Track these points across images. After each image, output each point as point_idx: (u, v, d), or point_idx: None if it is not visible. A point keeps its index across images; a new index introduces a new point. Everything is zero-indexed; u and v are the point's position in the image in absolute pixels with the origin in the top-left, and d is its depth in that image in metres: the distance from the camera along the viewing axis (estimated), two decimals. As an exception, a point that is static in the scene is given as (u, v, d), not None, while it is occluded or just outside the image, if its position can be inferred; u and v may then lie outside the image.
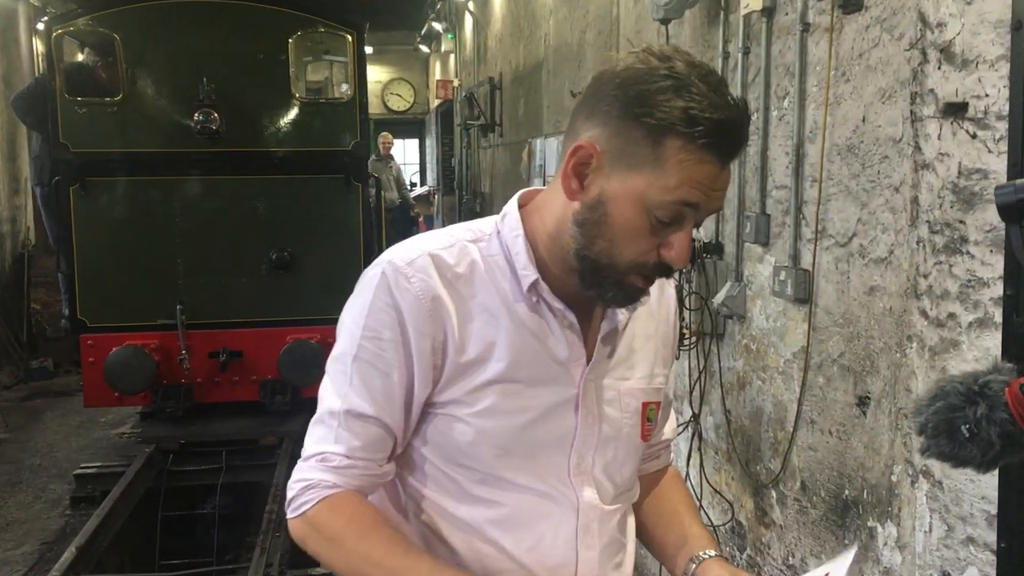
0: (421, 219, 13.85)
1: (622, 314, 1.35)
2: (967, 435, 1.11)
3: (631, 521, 1.48)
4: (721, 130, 1.13)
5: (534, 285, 1.27)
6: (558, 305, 1.29)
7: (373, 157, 12.56)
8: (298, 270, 6.34)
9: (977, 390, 1.11)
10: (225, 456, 6.13)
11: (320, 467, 1.28)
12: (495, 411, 1.27)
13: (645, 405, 1.41)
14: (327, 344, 6.33)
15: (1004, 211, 1.15)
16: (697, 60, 1.18)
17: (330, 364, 1.32)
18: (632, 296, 1.27)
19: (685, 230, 1.19)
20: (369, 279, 1.28)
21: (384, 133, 13.07)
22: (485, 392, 1.27)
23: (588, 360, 1.32)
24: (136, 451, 6.19)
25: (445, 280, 1.26)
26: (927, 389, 1.15)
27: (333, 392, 1.29)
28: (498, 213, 1.36)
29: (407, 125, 18.84)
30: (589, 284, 1.25)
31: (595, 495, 1.35)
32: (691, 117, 1.12)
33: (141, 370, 5.99)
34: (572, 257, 1.24)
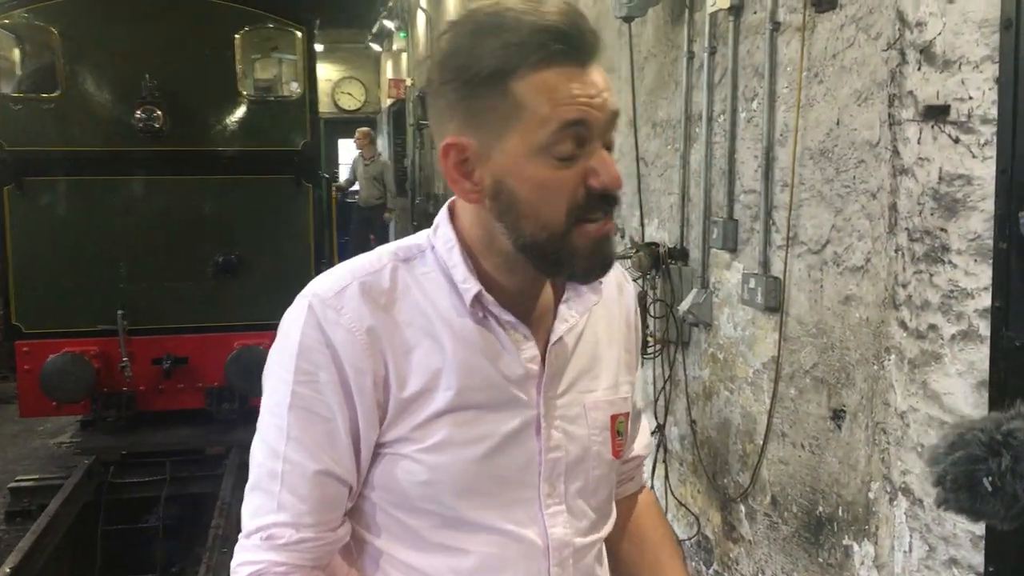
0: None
1: (575, 317, 1.23)
2: (989, 489, 1.00)
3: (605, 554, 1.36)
4: (551, 35, 1.03)
5: (477, 298, 1.14)
6: (507, 317, 1.16)
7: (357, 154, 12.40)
8: (246, 273, 6.18)
9: (1000, 439, 1.00)
10: (169, 467, 5.95)
11: (265, 546, 1.13)
12: (449, 444, 1.13)
13: (614, 418, 1.28)
14: (277, 350, 6.20)
15: None
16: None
17: (262, 419, 1.16)
18: (600, 254, 1.12)
19: (595, 150, 1.07)
20: (294, 317, 1.14)
21: (360, 128, 12.76)
22: (435, 425, 1.13)
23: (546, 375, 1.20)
24: (75, 462, 5.97)
25: (378, 308, 1.13)
26: (943, 435, 1.04)
27: (269, 451, 1.14)
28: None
29: (358, 124, 18.56)
30: (552, 268, 1.13)
31: (568, 529, 1.22)
32: (517, 44, 1.03)
33: (80, 378, 5.79)
34: (516, 253, 1.12)
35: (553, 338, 1.20)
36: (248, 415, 6.21)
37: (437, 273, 1.17)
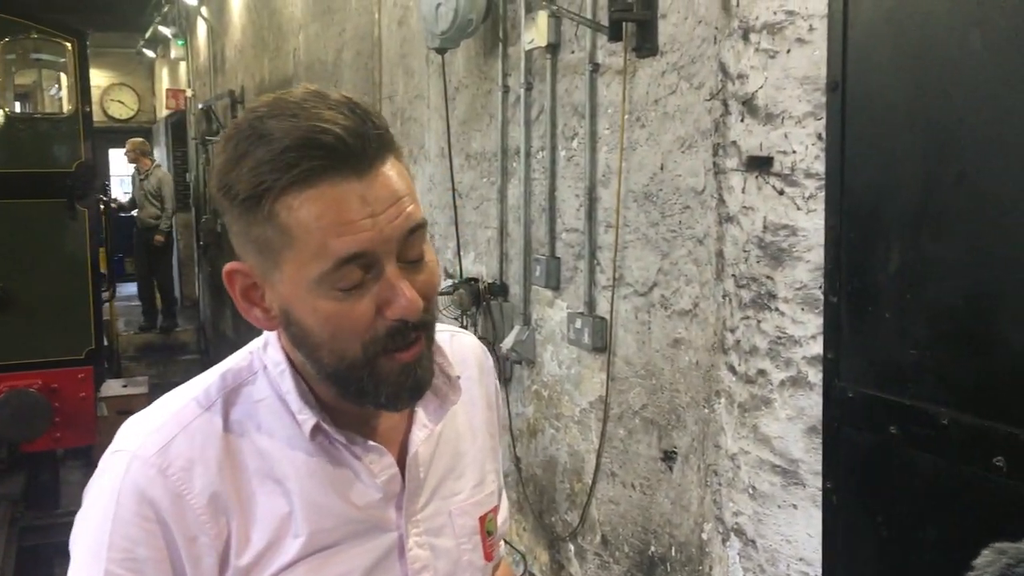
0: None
1: (434, 422, 1.11)
2: None
3: None
4: (313, 146, 0.87)
5: (317, 429, 1.01)
6: (355, 442, 1.03)
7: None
8: (14, 308, 5.60)
9: None
10: (-76, 529, 5.27)
11: None
12: None
13: (483, 519, 1.19)
14: (50, 391, 5.64)
15: None
16: (287, 95, 0.93)
17: None
18: (410, 380, 0.99)
19: (388, 276, 0.93)
20: (108, 479, 0.97)
21: (130, 140, 11.43)
22: None
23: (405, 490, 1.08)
24: None
25: (212, 460, 0.97)
26: (987, 561, 0.97)
27: None
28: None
29: (131, 135, 17.44)
30: (355, 399, 0.99)
31: None
32: (270, 162, 0.88)
33: None
34: (321, 383, 1.00)
35: (411, 450, 1.08)
36: (19, 464, 5.64)
37: (273, 399, 1.02)
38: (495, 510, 1.23)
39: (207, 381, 1.04)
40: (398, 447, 1.08)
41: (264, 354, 1.04)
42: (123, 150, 11.50)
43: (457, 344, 1.22)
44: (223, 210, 0.94)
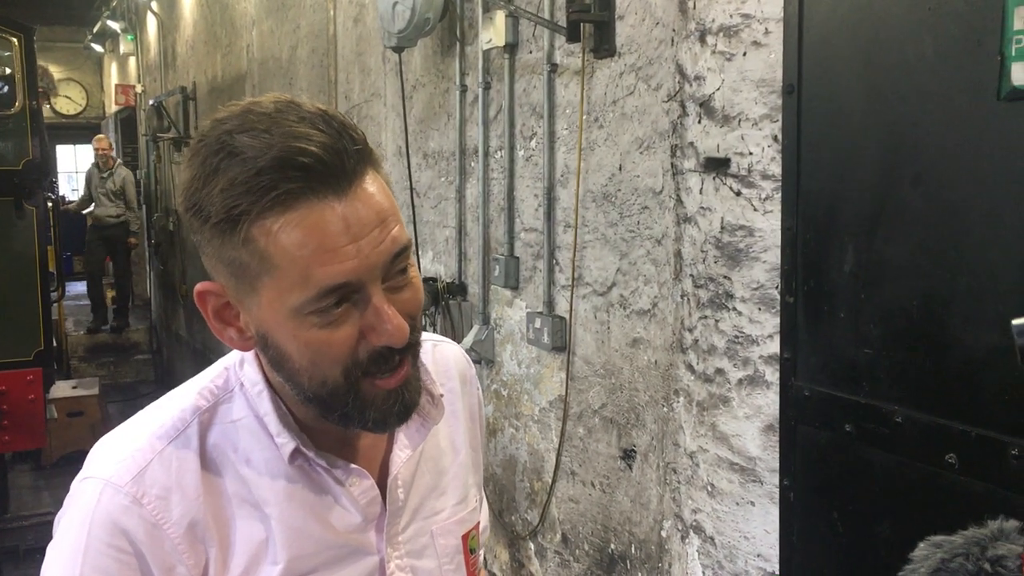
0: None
1: (417, 441, 1.08)
2: None
3: None
4: (290, 166, 0.82)
5: (296, 453, 0.97)
6: (335, 464, 1.00)
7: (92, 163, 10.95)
8: (-41, 309, 5.46)
9: (990, 570, 0.92)
10: None
11: None
12: None
13: (465, 537, 1.16)
14: (-1, 393, 5.53)
15: None
16: (257, 106, 0.87)
17: None
18: (397, 403, 0.95)
19: (374, 303, 0.88)
20: (79, 508, 0.93)
21: (97, 136, 11.12)
22: None
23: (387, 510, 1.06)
24: None
25: (189, 486, 0.94)
26: (922, 555, 0.98)
27: None
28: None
29: (80, 131, 17.13)
30: (340, 422, 0.96)
31: None
32: (245, 183, 0.83)
33: None
34: (303, 404, 0.97)
35: (393, 471, 1.05)
36: (-34, 469, 5.52)
37: (251, 419, 0.98)
38: (477, 527, 1.20)
39: (182, 400, 1.00)
40: (378, 467, 1.06)
41: (240, 371, 1.00)
42: (70, 146, 11.23)
43: (439, 355, 1.19)
44: (192, 229, 0.90)
